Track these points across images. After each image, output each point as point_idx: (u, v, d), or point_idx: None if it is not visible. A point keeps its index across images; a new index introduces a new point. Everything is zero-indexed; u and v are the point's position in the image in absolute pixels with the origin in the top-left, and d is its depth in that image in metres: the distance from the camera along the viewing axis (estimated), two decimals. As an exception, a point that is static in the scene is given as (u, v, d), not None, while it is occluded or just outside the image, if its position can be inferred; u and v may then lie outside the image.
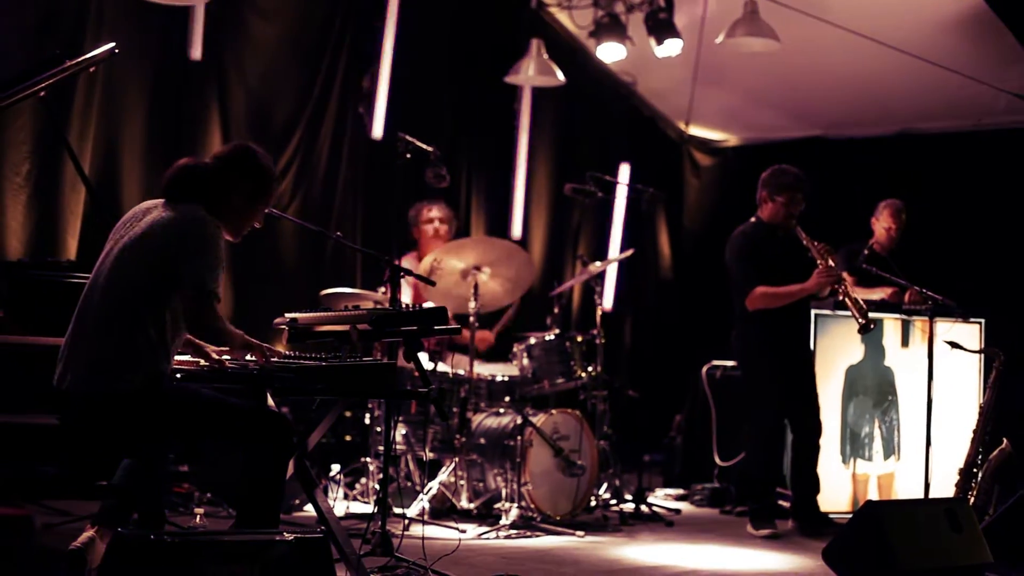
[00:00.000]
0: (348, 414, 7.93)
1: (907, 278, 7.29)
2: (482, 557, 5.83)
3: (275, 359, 4.46)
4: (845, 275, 7.18)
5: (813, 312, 7.51)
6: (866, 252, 8.02)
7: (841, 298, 6.92)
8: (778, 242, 7.18)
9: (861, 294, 7.77)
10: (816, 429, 7.24)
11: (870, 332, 6.91)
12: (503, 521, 6.72)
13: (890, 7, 8.96)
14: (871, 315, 6.88)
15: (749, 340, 7.27)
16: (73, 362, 4.30)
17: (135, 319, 4.25)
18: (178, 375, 4.50)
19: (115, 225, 4.53)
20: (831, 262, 6.96)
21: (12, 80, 5.31)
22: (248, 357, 4.57)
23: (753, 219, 7.29)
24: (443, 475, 7.03)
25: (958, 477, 6.74)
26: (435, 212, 8.07)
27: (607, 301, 10.47)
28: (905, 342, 7.86)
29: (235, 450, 4.36)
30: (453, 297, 7.24)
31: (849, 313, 6.85)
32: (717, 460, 8.72)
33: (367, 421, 7.40)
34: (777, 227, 7.18)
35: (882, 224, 8.43)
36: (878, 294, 8.02)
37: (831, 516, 7.29)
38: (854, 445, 7.78)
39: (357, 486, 7.42)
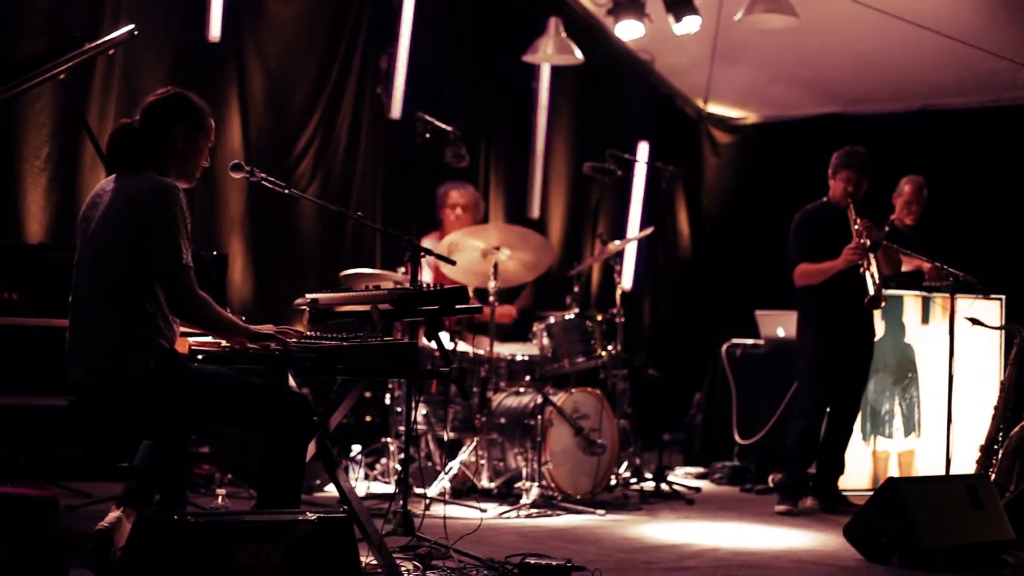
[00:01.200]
0: (368, 394, 7.95)
1: (928, 254, 7.28)
2: (503, 536, 5.84)
3: (293, 339, 4.44)
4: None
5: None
6: (887, 228, 7.99)
7: (862, 272, 6.90)
8: (839, 220, 7.12)
9: (903, 264, 7.76)
10: (852, 414, 7.21)
11: (879, 308, 6.89)
12: (524, 500, 6.74)
13: (909, -18, 8.93)
14: (894, 292, 6.84)
15: (802, 318, 7.27)
16: (80, 357, 4.28)
17: (129, 302, 4.22)
18: (199, 356, 4.50)
19: (78, 219, 4.46)
20: (865, 239, 6.91)
21: (31, 63, 5.31)
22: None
23: (824, 198, 7.27)
24: (464, 455, 7.05)
25: (979, 454, 6.73)
26: (458, 198, 7.95)
27: (626, 280, 10.46)
28: (925, 319, 7.84)
29: (255, 431, 4.36)
30: (475, 274, 7.24)
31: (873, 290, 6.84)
32: (737, 438, 8.72)
33: (387, 401, 7.42)
34: (838, 205, 7.17)
35: (903, 200, 8.39)
36: (915, 263, 7.95)
37: (852, 493, 7.28)
38: (874, 422, 7.77)
39: (378, 466, 7.43)
